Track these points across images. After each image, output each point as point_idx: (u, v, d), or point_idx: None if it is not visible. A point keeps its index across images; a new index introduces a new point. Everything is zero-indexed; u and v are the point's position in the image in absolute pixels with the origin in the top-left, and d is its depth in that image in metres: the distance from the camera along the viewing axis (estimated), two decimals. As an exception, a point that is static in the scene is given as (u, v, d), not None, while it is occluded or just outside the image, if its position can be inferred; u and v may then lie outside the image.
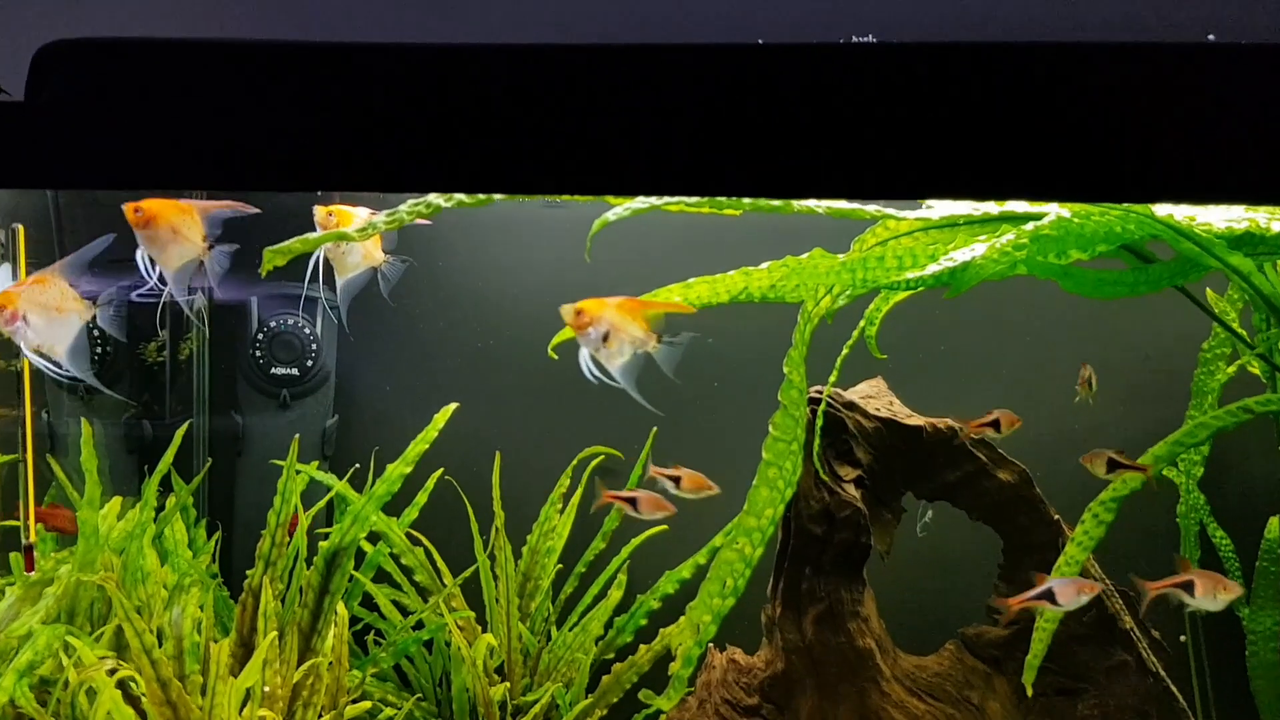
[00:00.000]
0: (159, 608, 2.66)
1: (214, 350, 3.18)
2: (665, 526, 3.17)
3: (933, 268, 2.08)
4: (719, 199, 2.15)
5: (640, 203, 2.03)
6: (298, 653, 2.54)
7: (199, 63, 2.03)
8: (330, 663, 2.58)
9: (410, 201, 2.08)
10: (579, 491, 3.18)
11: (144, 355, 3.11)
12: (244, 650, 2.54)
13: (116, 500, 2.85)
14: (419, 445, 2.82)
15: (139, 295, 3.02)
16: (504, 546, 2.94)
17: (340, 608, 2.64)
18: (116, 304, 2.89)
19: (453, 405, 2.89)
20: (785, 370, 2.19)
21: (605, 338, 2.07)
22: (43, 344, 2.10)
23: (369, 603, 3.07)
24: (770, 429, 2.13)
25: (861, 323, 2.59)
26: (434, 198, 2.07)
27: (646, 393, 3.25)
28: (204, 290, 3.14)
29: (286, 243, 2.03)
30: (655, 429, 3.11)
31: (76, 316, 2.15)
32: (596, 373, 2.19)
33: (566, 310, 2.07)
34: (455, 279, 3.37)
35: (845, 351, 2.56)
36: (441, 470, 3.07)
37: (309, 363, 3.14)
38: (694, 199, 2.08)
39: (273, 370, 3.13)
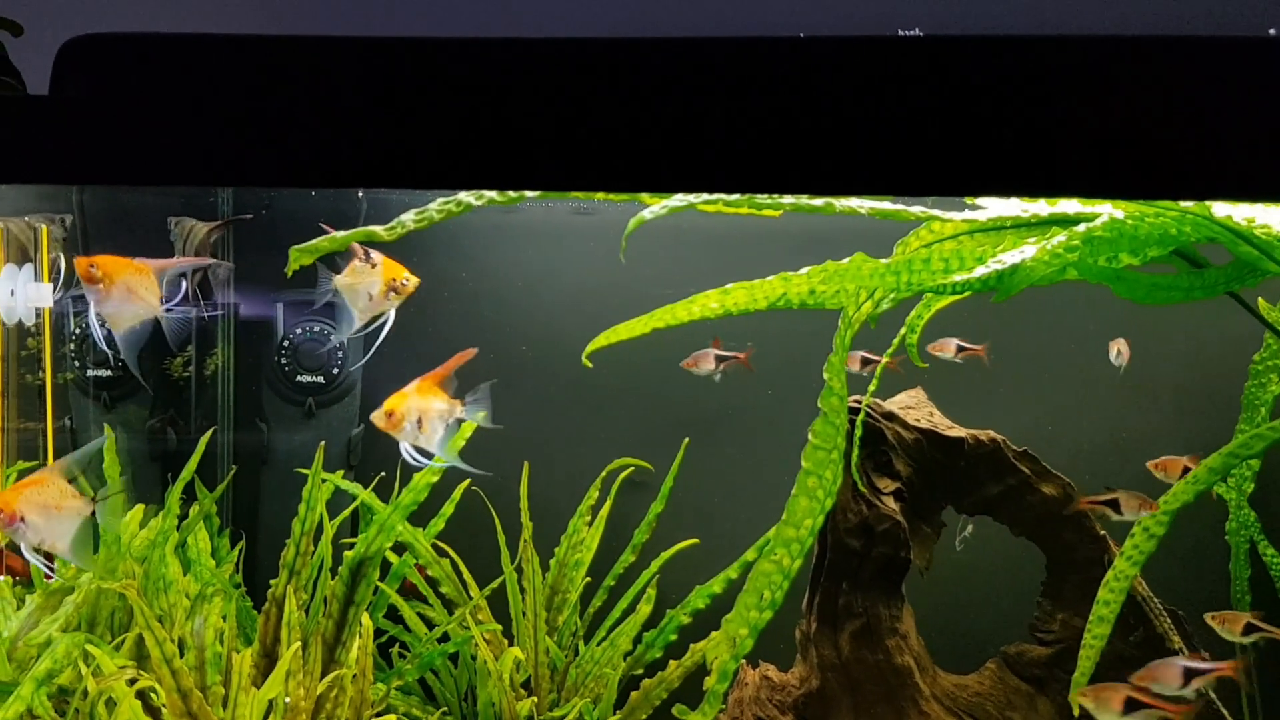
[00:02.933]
0: (181, 617, 2.61)
1: (239, 359, 3.14)
2: (696, 540, 3.10)
3: (980, 270, 2.00)
4: (758, 198, 2.09)
5: (677, 200, 1.97)
6: (321, 664, 2.48)
7: (224, 58, 1.99)
8: (354, 675, 2.52)
9: (440, 200, 2.03)
10: (608, 504, 3.11)
11: (169, 370, 3.07)
12: (267, 661, 2.49)
13: (139, 508, 2.80)
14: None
15: (167, 310, 2.99)
16: (531, 559, 2.88)
17: (365, 619, 2.58)
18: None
19: (481, 414, 2.83)
20: (825, 377, 2.13)
21: (420, 423, 2.18)
22: (44, 542, 2.14)
23: (394, 615, 3.00)
24: (810, 437, 2.06)
25: (903, 330, 2.52)
26: (464, 196, 2.02)
27: (678, 404, 3.21)
28: (226, 305, 3.11)
29: (314, 242, 1.98)
30: (687, 440, 3.03)
31: (76, 514, 2.16)
32: (420, 458, 2.29)
33: (378, 417, 2.25)
34: (481, 287, 3.32)
35: (885, 360, 2.49)
36: (468, 481, 3.01)
37: (334, 371, 3.09)
38: (733, 197, 2.02)
39: (298, 378, 3.08)
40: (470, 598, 2.92)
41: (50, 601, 2.56)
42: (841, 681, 2.50)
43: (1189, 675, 2.09)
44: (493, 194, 2.00)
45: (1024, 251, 2.03)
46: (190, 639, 2.48)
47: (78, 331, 3.03)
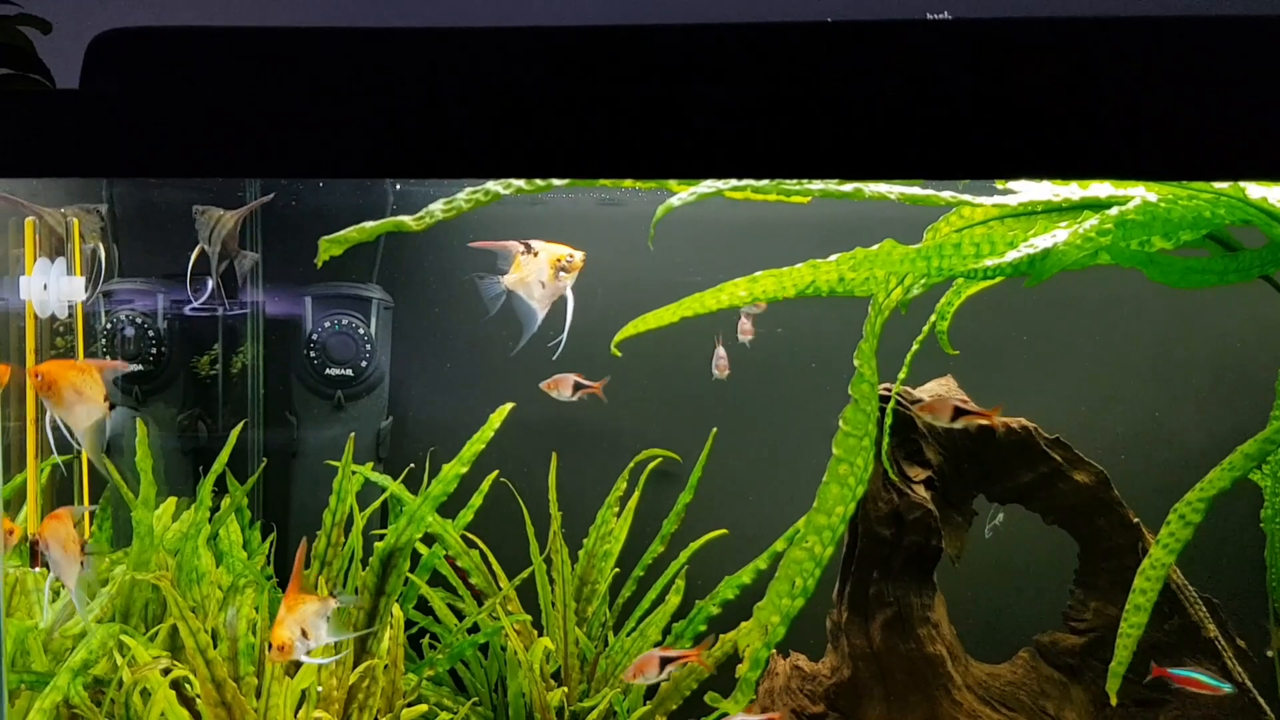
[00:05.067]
0: (214, 609, 2.63)
1: (268, 353, 3.15)
2: (725, 531, 3.09)
3: (1012, 255, 1.99)
4: (787, 184, 2.09)
5: (706, 187, 1.96)
6: (353, 654, 2.49)
7: (256, 50, 1.99)
8: (386, 665, 2.53)
9: (468, 189, 2.03)
10: (636, 495, 3.11)
11: (197, 369, 3.09)
12: (299, 652, 2.50)
13: (171, 501, 2.83)
14: (475, 445, 2.76)
15: (193, 309, 3.01)
16: (561, 550, 2.88)
17: (395, 609, 2.59)
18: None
19: (508, 405, 2.84)
20: (855, 364, 2.12)
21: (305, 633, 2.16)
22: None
23: (423, 607, 3.02)
24: (840, 424, 2.05)
25: (933, 317, 2.50)
26: (492, 185, 2.02)
27: (705, 393, 3.20)
28: (254, 299, 3.12)
29: (343, 232, 1.99)
30: (715, 430, 3.03)
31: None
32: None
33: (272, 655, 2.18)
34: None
35: (916, 347, 2.47)
36: (496, 472, 3.02)
37: (363, 363, 3.10)
38: (762, 183, 2.02)
39: (327, 371, 3.09)
40: (500, 589, 2.93)
41: (84, 594, 2.58)
42: (873, 671, 2.49)
43: None
44: (520, 183, 2.01)
45: (1056, 236, 2.02)
46: (223, 630, 2.50)
47: (109, 327, 3.05)
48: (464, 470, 2.72)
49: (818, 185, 2.06)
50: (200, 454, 3.10)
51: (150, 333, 3.03)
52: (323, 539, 2.59)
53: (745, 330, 2.95)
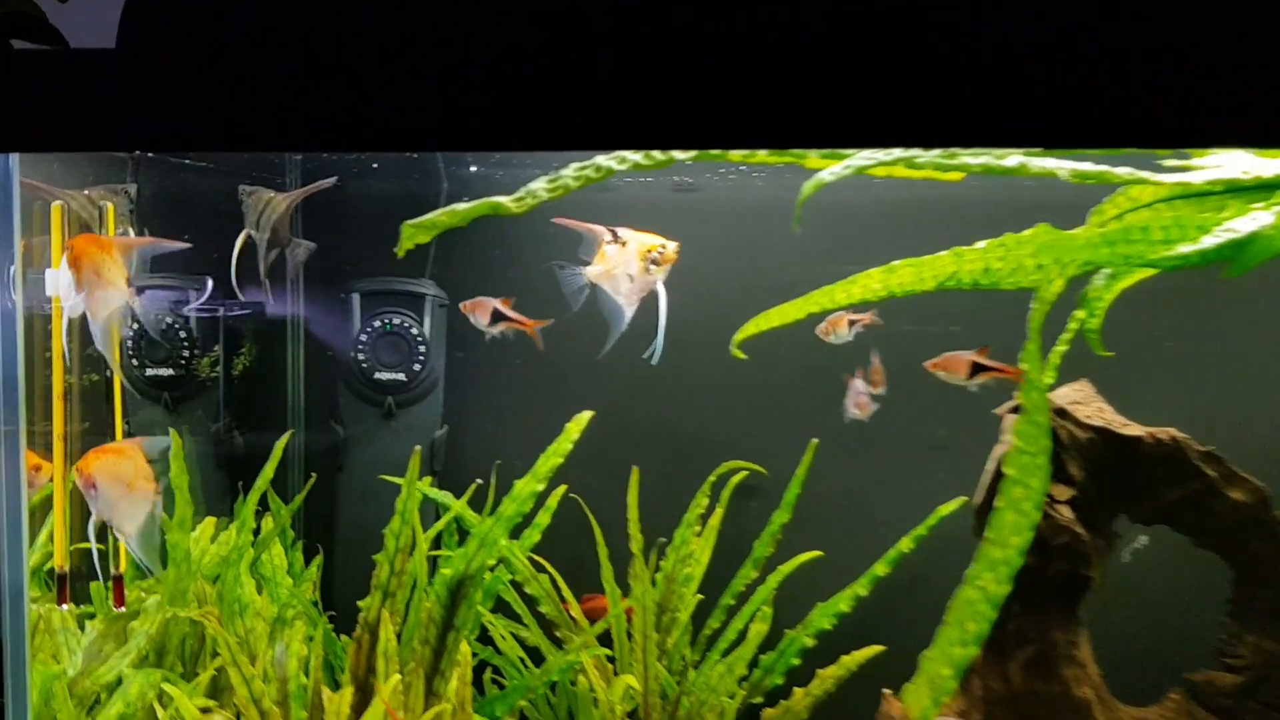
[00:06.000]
0: (260, 645, 2.33)
1: (310, 355, 2.86)
2: (819, 553, 2.80)
3: (1209, 241, 1.70)
4: (945, 160, 1.79)
5: (863, 159, 1.67)
6: (422, 697, 2.20)
7: (303, 10, 1.70)
8: (454, 708, 2.24)
9: (575, 165, 1.74)
10: (719, 512, 2.81)
11: (197, 371, 2.79)
12: (359, 694, 2.20)
13: (209, 521, 2.53)
14: (551, 458, 2.46)
15: (195, 310, 2.72)
16: (641, 574, 2.59)
17: (464, 646, 2.29)
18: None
19: (587, 413, 2.54)
20: (1023, 367, 1.82)
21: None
22: (111, 520, 1.86)
23: (481, 634, 2.72)
24: (1012, 439, 1.76)
25: (1081, 312, 2.21)
26: (603, 160, 1.73)
27: (790, 399, 2.91)
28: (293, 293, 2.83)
29: (430, 216, 1.70)
30: (815, 441, 2.72)
31: (145, 499, 1.88)
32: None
33: None
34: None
35: (1062, 347, 2.19)
36: (565, 487, 2.72)
37: (416, 366, 2.80)
38: (925, 156, 1.72)
39: (376, 375, 2.80)
40: (572, 619, 2.63)
41: (114, 628, 2.28)
42: (1010, 717, 2.19)
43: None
44: (637, 156, 1.71)
45: (1257, 218, 1.73)
46: (271, 669, 2.21)
47: (135, 326, 2.75)
48: (540, 488, 2.42)
49: (980, 159, 1.77)
50: (237, 466, 2.81)
51: (181, 333, 2.74)
52: (384, 565, 2.29)
53: (876, 377, 2.56)
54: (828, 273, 2.10)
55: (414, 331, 2.79)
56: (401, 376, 2.80)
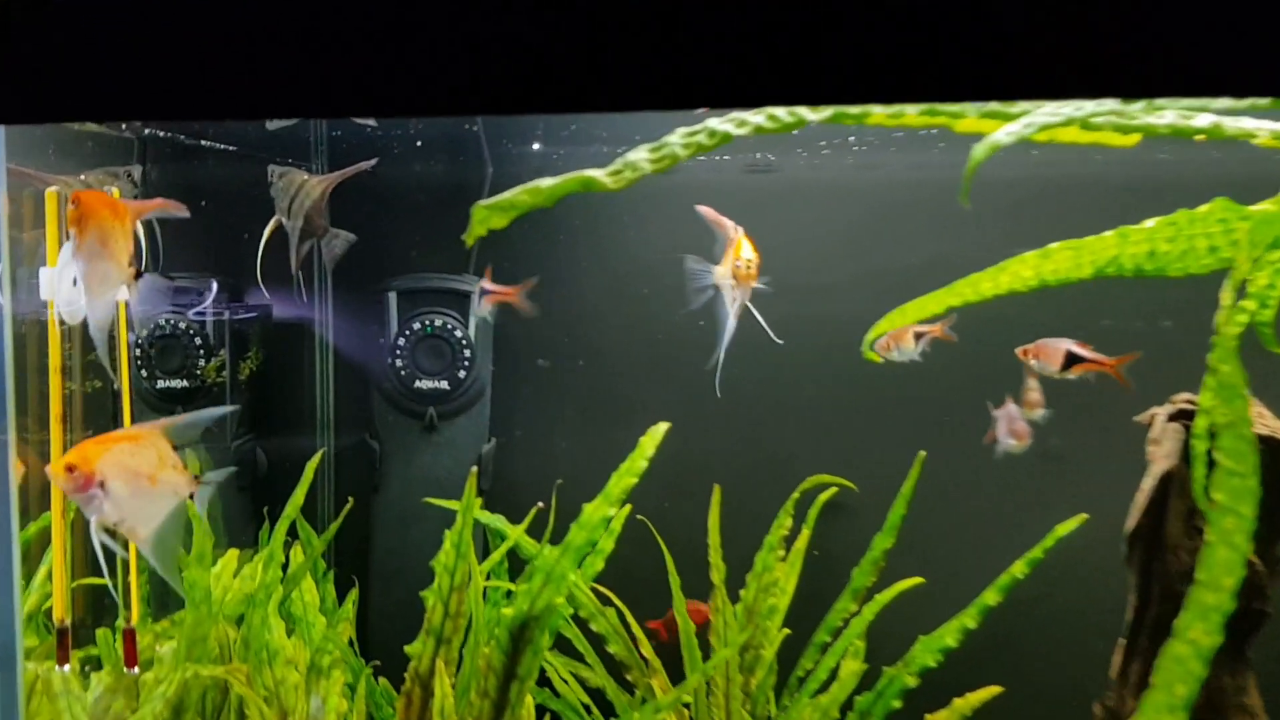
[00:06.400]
0: (292, 699, 2.02)
1: (341, 362, 2.55)
2: (920, 579, 2.47)
3: None
4: (1124, 121, 1.47)
5: (1046, 115, 1.34)
6: (483, 763, 1.89)
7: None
8: (520, 772, 1.92)
9: (682, 131, 1.42)
10: (805, 534, 2.49)
11: (203, 375, 2.47)
12: (410, 759, 1.89)
13: (232, 554, 2.22)
14: (624, 478, 2.13)
15: (196, 314, 2.41)
16: (723, 607, 2.27)
17: (529, 700, 1.98)
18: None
19: (663, 425, 2.22)
20: (1214, 365, 1.50)
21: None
22: (122, 522, 1.48)
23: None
24: (1219, 459, 1.44)
25: (1250, 303, 1.88)
26: (716, 123, 1.40)
27: (870, 406, 2.59)
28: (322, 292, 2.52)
29: (508, 195, 1.37)
30: (923, 453, 2.39)
31: (172, 493, 1.51)
32: None
33: None
34: (630, 264, 2.71)
35: (1230, 344, 1.86)
36: (630, 508, 2.40)
37: (461, 373, 2.49)
38: (1101, 115, 1.40)
39: (416, 384, 2.48)
40: (644, 659, 2.32)
41: (125, 681, 1.97)
42: (1174, 776, 1.87)
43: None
44: (758, 119, 1.39)
45: None
46: (307, 728, 1.90)
47: (144, 332, 2.44)
48: (612, 512, 2.10)
49: (1166, 119, 1.45)
50: (261, 490, 2.50)
51: (197, 340, 2.43)
52: (436, 606, 1.97)
53: (1032, 398, 2.20)
54: (933, 261, 1.79)
55: (458, 334, 2.47)
56: (444, 384, 2.48)
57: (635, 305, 2.67)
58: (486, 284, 2.28)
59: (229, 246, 2.34)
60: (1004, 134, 1.33)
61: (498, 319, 2.58)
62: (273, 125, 1.98)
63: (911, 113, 1.42)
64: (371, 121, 1.92)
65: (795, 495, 2.51)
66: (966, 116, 1.44)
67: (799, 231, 2.56)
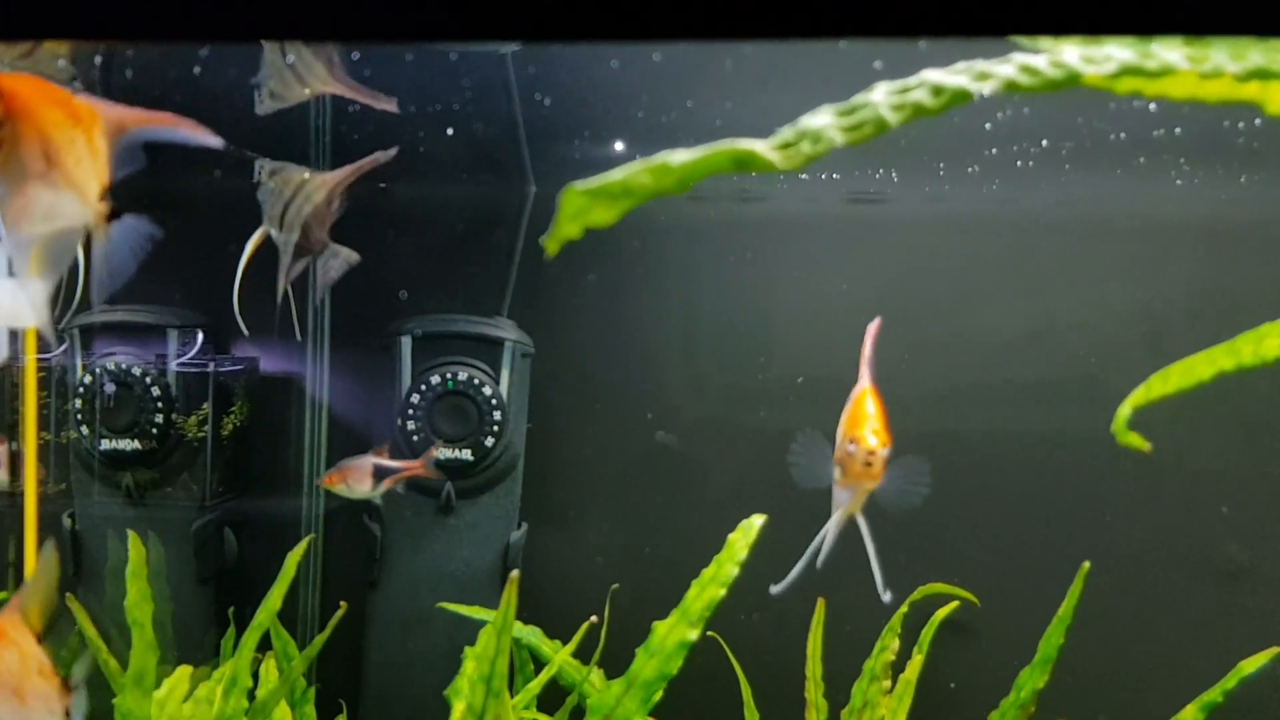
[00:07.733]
0: None
1: (337, 423, 2.03)
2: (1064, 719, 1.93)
3: None
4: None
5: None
6: None
7: None
8: None
9: (886, 87, 0.92)
10: (918, 660, 1.96)
11: (183, 430, 1.96)
12: None
13: (183, 671, 1.69)
14: (709, 589, 1.59)
15: (180, 364, 1.91)
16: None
17: None
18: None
19: (759, 518, 1.69)
20: None
21: None
22: None
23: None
24: None
25: None
26: (940, 75, 0.91)
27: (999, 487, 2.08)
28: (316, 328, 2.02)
29: (618, 175, 0.86)
30: (1087, 565, 1.85)
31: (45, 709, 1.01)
32: None
33: None
34: (690, 308, 2.22)
35: None
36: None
37: (489, 440, 1.97)
38: None
39: (431, 453, 1.96)
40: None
41: None
42: None
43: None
44: (1008, 70, 0.90)
45: None
46: None
47: (88, 379, 1.94)
48: (693, 636, 1.56)
49: None
50: (226, 584, 1.97)
51: (153, 390, 1.92)
52: (459, 763, 1.43)
53: None
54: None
55: (487, 391, 1.96)
56: (467, 454, 1.97)
57: (712, 359, 2.17)
58: (381, 460, 1.82)
59: (197, 268, 1.84)
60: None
61: (533, 374, 2.08)
62: (262, 109, 1.50)
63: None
64: (392, 105, 1.44)
65: (903, 609, 1.98)
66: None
67: (915, 271, 2.09)
